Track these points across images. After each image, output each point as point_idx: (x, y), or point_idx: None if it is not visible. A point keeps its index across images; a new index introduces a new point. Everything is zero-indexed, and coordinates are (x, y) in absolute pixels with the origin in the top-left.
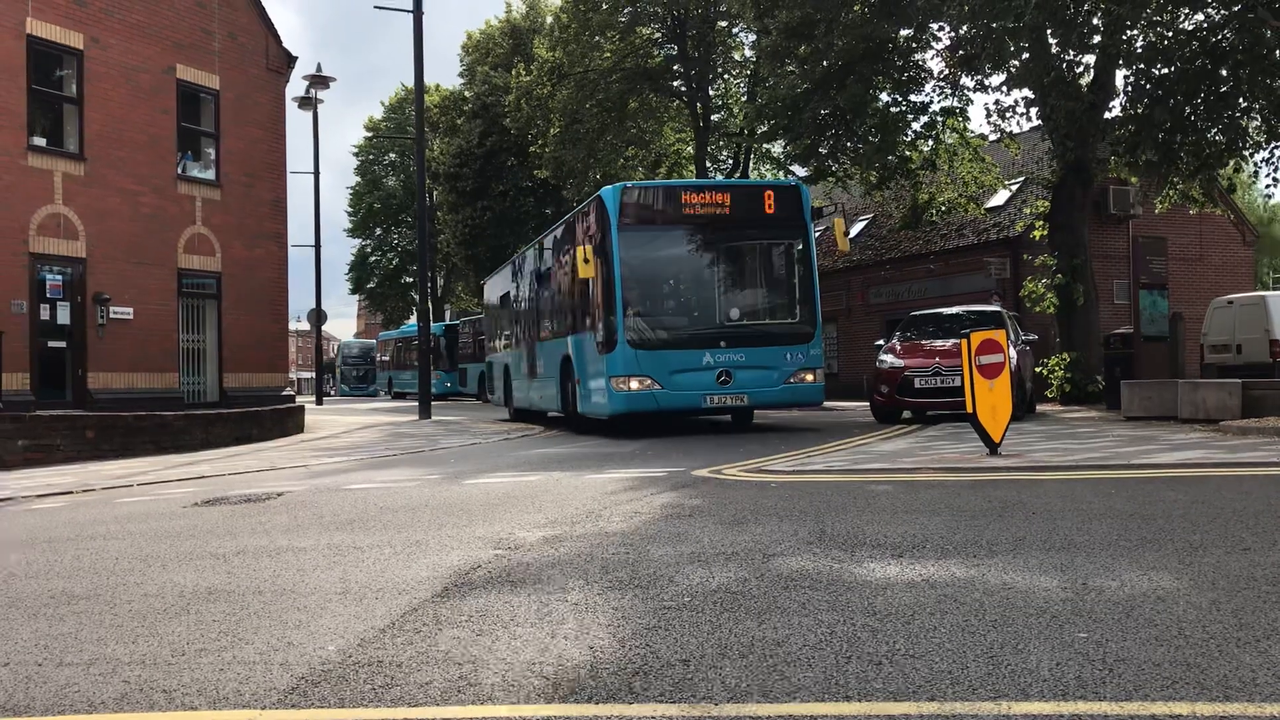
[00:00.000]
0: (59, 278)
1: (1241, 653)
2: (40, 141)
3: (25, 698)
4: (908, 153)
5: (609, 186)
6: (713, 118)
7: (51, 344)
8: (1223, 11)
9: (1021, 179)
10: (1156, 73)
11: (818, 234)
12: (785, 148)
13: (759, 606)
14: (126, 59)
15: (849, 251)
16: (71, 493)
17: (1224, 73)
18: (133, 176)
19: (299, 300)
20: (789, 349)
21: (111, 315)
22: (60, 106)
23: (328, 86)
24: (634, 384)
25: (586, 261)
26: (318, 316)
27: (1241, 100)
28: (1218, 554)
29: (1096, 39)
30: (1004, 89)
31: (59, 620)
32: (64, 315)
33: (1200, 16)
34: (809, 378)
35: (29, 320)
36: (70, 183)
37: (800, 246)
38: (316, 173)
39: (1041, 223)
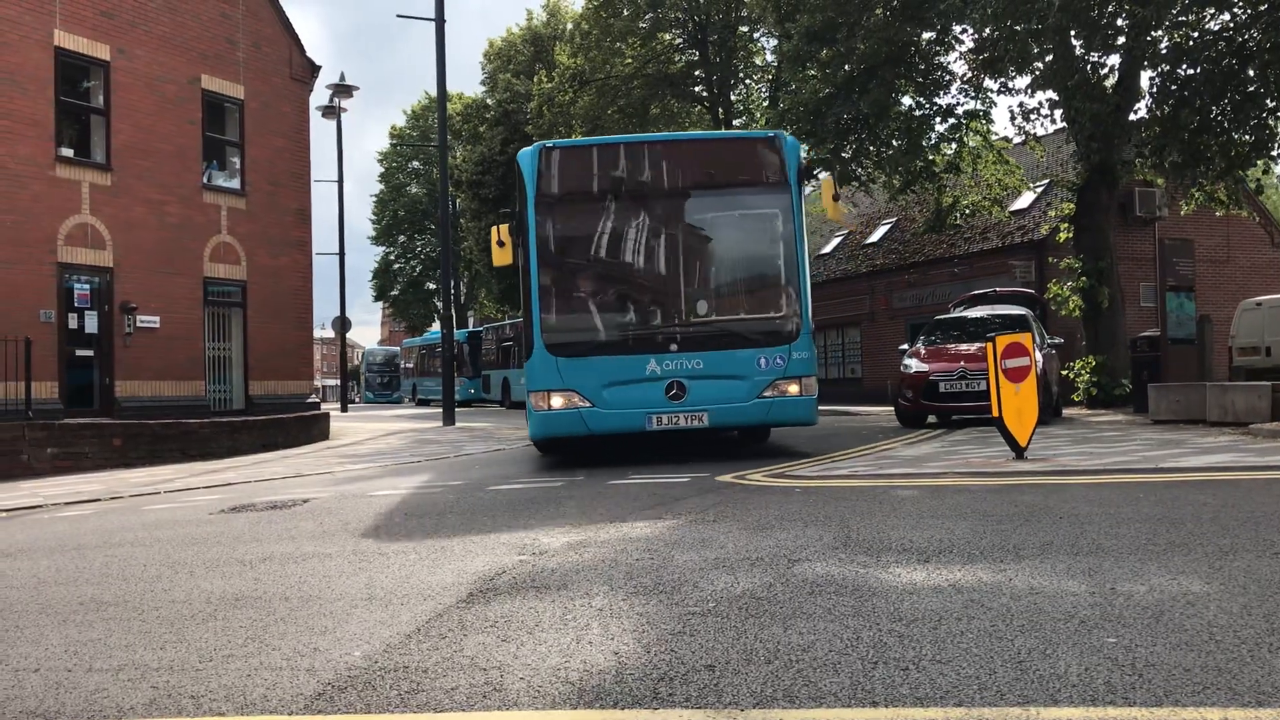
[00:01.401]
0: (86, 287)
1: (1274, 657)
2: (68, 152)
3: (55, 703)
4: (931, 156)
5: (528, 147)
6: (734, 122)
7: (79, 353)
8: (1249, 11)
9: (1046, 181)
10: (1182, 73)
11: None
12: (808, 152)
13: (784, 612)
14: (152, 70)
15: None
16: (100, 500)
17: (1251, 73)
18: (159, 186)
19: (323, 308)
20: (765, 352)
21: (138, 324)
22: (87, 117)
23: (351, 95)
24: (555, 400)
25: (501, 244)
26: (342, 324)
27: (1269, 100)
28: (1248, 558)
29: (1121, 40)
30: (1028, 91)
31: (88, 626)
32: (91, 324)
33: (1226, 16)
34: (792, 390)
35: (57, 329)
36: (97, 193)
37: (782, 217)
38: (340, 181)
39: (1066, 225)
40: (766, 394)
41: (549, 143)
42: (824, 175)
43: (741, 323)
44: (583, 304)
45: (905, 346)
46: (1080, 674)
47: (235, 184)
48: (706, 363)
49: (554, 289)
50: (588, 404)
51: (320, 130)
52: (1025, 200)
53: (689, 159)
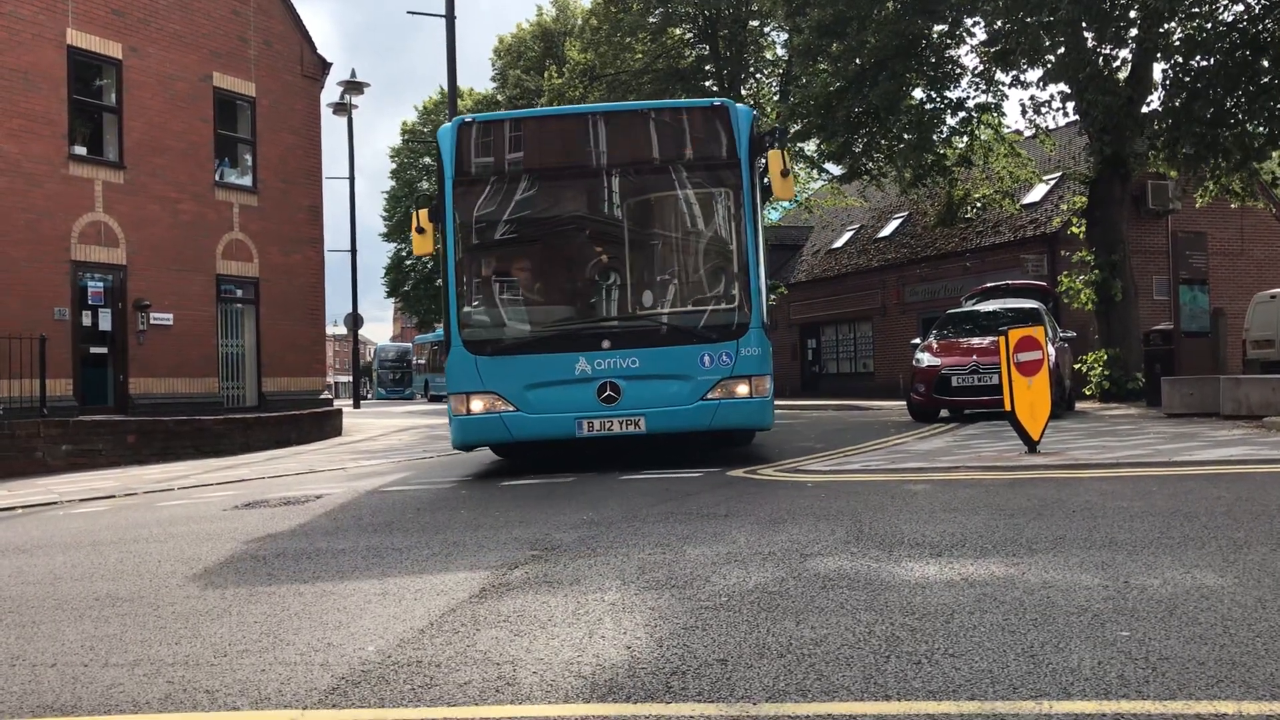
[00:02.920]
0: (100, 284)
1: None
2: (81, 150)
3: (72, 698)
4: (942, 150)
5: (447, 123)
6: None
7: (93, 350)
8: (1263, 2)
9: (1059, 174)
10: (1195, 65)
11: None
12: (819, 146)
13: (796, 606)
14: (164, 68)
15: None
16: (114, 496)
17: (1265, 64)
18: (172, 184)
19: (336, 304)
20: (709, 349)
21: (152, 321)
22: (100, 116)
23: (362, 92)
24: (476, 404)
25: (421, 231)
26: (354, 320)
27: None
28: (1262, 551)
29: (1133, 32)
30: (1040, 84)
31: (104, 621)
32: (105, 322)
33: (1240, 7)
34: (741, 390)
35: (71, 327)
36: (110, 191)
37: (732, 196)
38: (352, 178)
39: (1079, 218)
40: (712, 395)
41: (468, 116)
42: (774, 148)
43: (683, 316)
44: (504, 296)
45: (917, 341)
46: (1093, 668)
47: (247, 181)
48: (643, 361)
49: (473, 280)
50: (510, 408)
51: (331, 127)
52: (1037, 193)
53: (627, 133)
